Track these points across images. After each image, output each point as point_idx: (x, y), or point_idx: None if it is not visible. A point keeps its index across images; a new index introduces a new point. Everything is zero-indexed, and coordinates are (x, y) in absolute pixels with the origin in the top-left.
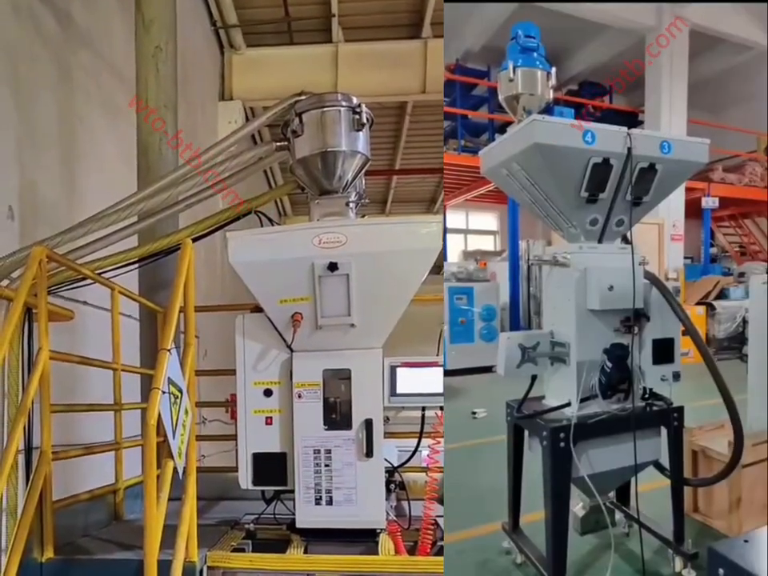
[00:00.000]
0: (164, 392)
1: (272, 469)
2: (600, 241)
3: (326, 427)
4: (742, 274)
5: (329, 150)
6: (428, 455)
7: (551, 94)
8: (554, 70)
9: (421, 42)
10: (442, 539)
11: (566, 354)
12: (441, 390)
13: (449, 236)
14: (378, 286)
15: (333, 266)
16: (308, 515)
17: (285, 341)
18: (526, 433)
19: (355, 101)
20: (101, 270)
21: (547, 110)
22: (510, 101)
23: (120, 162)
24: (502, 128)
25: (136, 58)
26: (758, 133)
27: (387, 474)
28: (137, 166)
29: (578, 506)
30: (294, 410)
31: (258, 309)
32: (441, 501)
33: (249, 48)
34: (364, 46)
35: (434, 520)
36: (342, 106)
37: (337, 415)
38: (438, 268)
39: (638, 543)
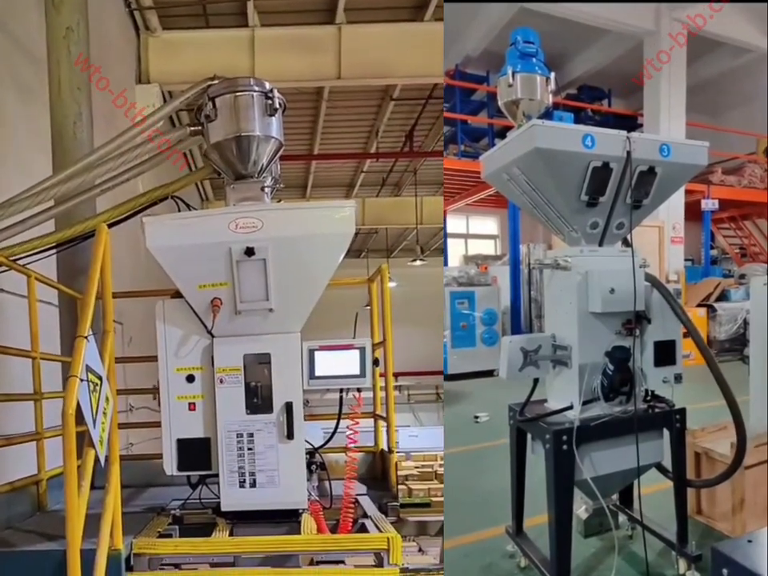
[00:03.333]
0: (82, 380)
1: (196, 454)
2: (600, 244)
3: (248, 411)
4: (742, 276)
5: (243, 134)
6: (347, 435)
7: (551, 99)
8: (553, 74)
9: (335, 27)
10: (364, 516)
11: (567, 356)
12: (358, 372)
13: (449, 241)
14: (294, 270)
15: (250, 251)
16: (232, 498)
17: (205, 326)
18: (529, 436)
19: (268, 86)
20: (15, 257)
21: (547, 114)
22: (510, 106)
23: (35, 147)
24: (502, 133)
25: (47, 40)
26: (757, 135)
27: (309, 456)
28: (51, 149)
29: (581, 508)
30: (217, 396)
31: (178, 294)
32: (361, 480)
33: (165, 31)
34: (280, 31)
35: (354, 498)
36: (255, 91)
37: (258, 399)
38: (357, 252)
39: (642, 545)
